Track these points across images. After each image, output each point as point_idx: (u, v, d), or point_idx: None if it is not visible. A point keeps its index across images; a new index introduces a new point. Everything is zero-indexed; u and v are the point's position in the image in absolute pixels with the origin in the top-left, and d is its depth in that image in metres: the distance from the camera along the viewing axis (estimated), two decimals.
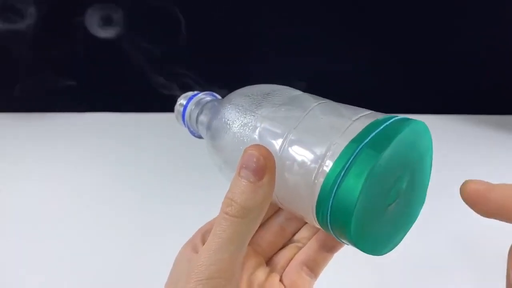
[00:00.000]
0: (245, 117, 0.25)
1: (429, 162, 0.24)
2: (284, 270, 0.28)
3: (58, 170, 0.59)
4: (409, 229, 0.24)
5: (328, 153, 0.20)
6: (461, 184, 0.20)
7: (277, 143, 0.23)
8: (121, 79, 0.70)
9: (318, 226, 0.22)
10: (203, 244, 0.25)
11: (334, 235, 0.22)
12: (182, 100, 0.33)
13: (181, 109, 0.33)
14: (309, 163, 0.21)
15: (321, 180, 0.20)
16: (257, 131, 0.24)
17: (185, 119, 0.32)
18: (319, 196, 0.20)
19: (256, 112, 0.25)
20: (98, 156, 0.62)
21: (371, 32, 0.66)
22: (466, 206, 0.20)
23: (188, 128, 0.33)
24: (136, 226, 0.49)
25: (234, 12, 0.64)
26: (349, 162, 0.19)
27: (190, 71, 0.60)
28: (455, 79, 0.70)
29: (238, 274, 0.22)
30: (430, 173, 0.25)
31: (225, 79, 0.68)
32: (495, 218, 0.19)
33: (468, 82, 0.71)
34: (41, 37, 0.65)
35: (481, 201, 0.19)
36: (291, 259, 0.28)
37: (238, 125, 0.25)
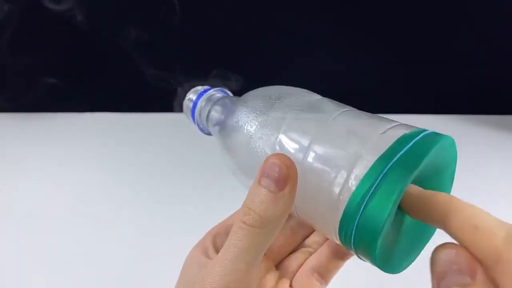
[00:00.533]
0: (264, 123, 0.24)
1: (451, 174, 0.23)
2: (294, 275, 0.27)
3: (58, 170, 0.59)
4: (426, 244, 0.23)
5: (354, 169, 0.20)
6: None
7: (298, 153, 0.22)
8: (121, 79, 0.70)
9: (338, 242, 0.21)
10: (214, 247, 0.25)
11: (355, 253, 0.21)
12: (191, 95, 0.31)
13: (191, 104, 0.31)
14: (333, 176, 0.20)
15: (347, 196, 0.19)
16: (277, 138, 0.23)
17: (195, 115, 0.31)
18: (344, 213, 0.19)
19: (276, 118, 0.24)
20: (98, 156, 0.62)
21: (371, 32, 0.66)
22: None
23: (198, 125, 0.32)
24: (136, 226, 0.49)
25: (234, 11, 0.64)
26: (378, 180, 0.18)
27: (189, 71, 0.60)
28: (455, 79, 0.70)
29: (254, 284, 0.22)
30: (451, 185, 0.24)
31: (224, 79, 0.68)
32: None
33: (468, 82, 0.71)
34: (28, 35, 0.65)
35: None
36: (302, 264, 0.28)
37: (257, 130, 0.24)
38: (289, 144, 0.23)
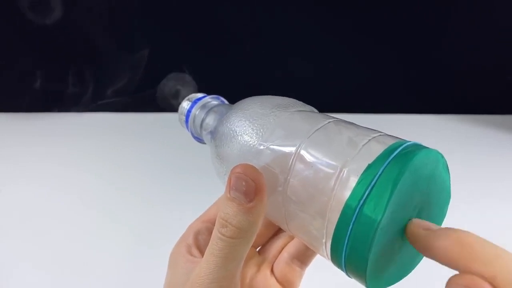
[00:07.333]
0: (255, 132, 0.23)
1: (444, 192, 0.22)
2: (276, 258, 0.28)
3: (58, 170, 0.59)
4: (413, 268, 0.22)
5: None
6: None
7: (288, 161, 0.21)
8: (120, 79, 0.70)
9: (327, 258, 0.21)
10: (197, 246, 0.26)
11: (344, 269, 0.19)
12: (186, 102, 0.31)
13: (185, 111, 0.31)
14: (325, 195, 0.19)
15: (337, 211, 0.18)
16: (266, 147, 0.23)
17: (189, 123, 0.31)
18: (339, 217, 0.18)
19: (274, 128, 0.23)
20: (98, 156, 0.62)
21: (371, 32, 0.66)
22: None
23: (191, 133, 0.31)
24: (135, 226, 0.49)
25: (231, 10, 0.64)
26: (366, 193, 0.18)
27: (187, 71, 0.60)
28: (455, 79, 0.70)
29: (238, 284, 0.22)
30: (446, 205, 0.23)
31: (222, 78, 0.68)
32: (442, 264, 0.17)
33: (468, 82, 0.71)
34: (28, 35, 0.65)
35: (424, 246, 0.18)
36: (283, 247, 0.29)
37: (254, 139, 0.23)
38: (278, 155, 0.22)
